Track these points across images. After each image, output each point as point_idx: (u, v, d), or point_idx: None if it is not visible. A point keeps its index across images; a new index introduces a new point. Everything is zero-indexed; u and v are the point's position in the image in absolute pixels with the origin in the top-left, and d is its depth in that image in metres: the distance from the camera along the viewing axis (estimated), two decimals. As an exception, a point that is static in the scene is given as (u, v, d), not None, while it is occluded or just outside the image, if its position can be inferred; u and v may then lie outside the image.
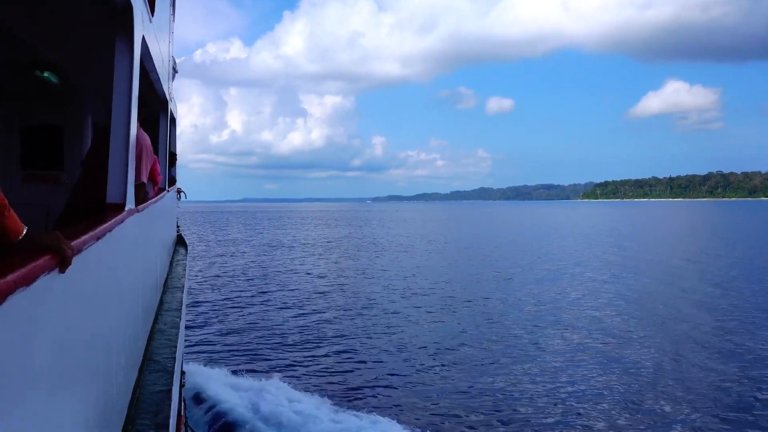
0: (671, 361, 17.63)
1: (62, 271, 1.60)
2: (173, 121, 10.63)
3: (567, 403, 14.32)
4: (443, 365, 16.98)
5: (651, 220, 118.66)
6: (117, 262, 2.90)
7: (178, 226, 12.17)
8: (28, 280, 1.28)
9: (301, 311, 24.54)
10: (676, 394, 14.59)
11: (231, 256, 46.64)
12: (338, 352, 18.28)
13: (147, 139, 5.11)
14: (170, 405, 3.28)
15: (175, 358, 4.09)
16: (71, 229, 2.22)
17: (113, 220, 2.70)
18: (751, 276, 33.91)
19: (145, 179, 4.98)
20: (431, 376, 16.06)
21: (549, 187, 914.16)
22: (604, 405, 14.16)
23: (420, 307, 25.30)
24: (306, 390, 14.50)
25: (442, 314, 23.90)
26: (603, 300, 26.96)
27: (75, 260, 1.69)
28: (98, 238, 2.24)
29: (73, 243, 1.73)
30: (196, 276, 33.10)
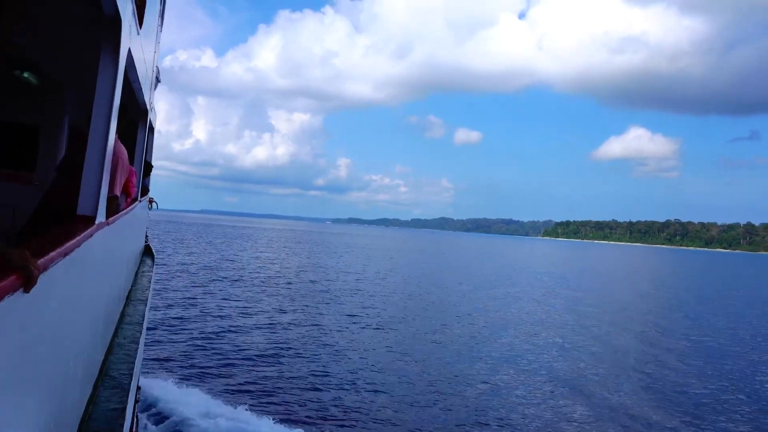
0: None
1: (27, 291, 1.59)
2: (152, 130, 10.57)
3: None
4: (399, 393, 17.44)
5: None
6: (82, 277, 2.88)
7: (146, 237, 12.20)
8: None
9: (259, 330, 24.62)
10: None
11: (190, 268, 44.51)
12: (294, 373, 18.52)
13: (124, 152, 5.12)
14: (123, 424, 3.23)
15: (132, 374, 3.99)
16: (38, 242, 2.26)
17: (82, 235, 2.68)
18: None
19: (118, 192, 4.96)
20: (388, 401, 16.58)
21: (509, 222, 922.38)
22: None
23: (381, 336, 25.52)
24: (258, 409, 14.72)
25: (401, 344, 24.27)
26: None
27: (40, 278, 1.67)
28: (65, 255, 2.24)
29: (40, 261, 1.72)
30: (159, 288, 32.28)
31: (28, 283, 1.57)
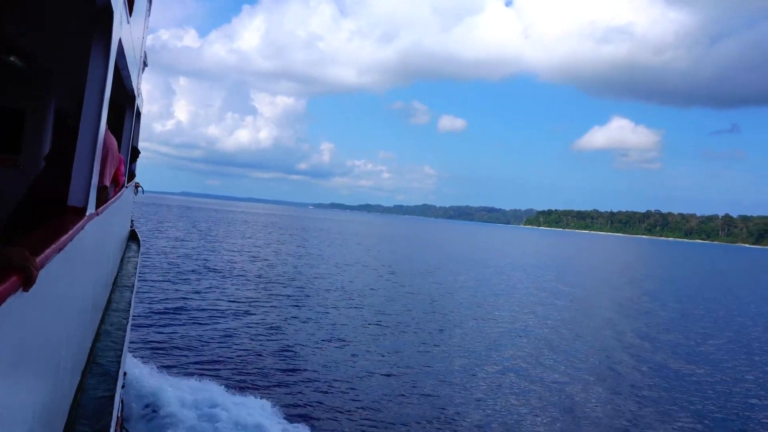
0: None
1: (26, 290, 1.61)
2: (138, 115, 10.55)
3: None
4: (382, 375, 17.77)
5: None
6: (74, 269, 2.91)
7: (132, 221, 12.22)
8: None
9: (245, 315, 24.57)
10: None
11: (172, 254, 42.78)
12: (281, 358, 18.57)
13: (114, 142, 5.11)
14: (111, 412, 3.26)
15: (119, 362, 4.03)
16: (33, 237, 2.32)
17: (74, 228, 2.70)
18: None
19: (108, 183, 4.94)
20: (373, 387, 16.64)
21: (491, 210, 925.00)
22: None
23: (367, 323, 25.66)
24: (245, 393, 14.73)
25: (388, 331, 24.44)
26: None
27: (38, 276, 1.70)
28: (60, 250, 2.26)
29: (38, 259, 1.74)
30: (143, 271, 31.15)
31: (27, 283, 1.59)
